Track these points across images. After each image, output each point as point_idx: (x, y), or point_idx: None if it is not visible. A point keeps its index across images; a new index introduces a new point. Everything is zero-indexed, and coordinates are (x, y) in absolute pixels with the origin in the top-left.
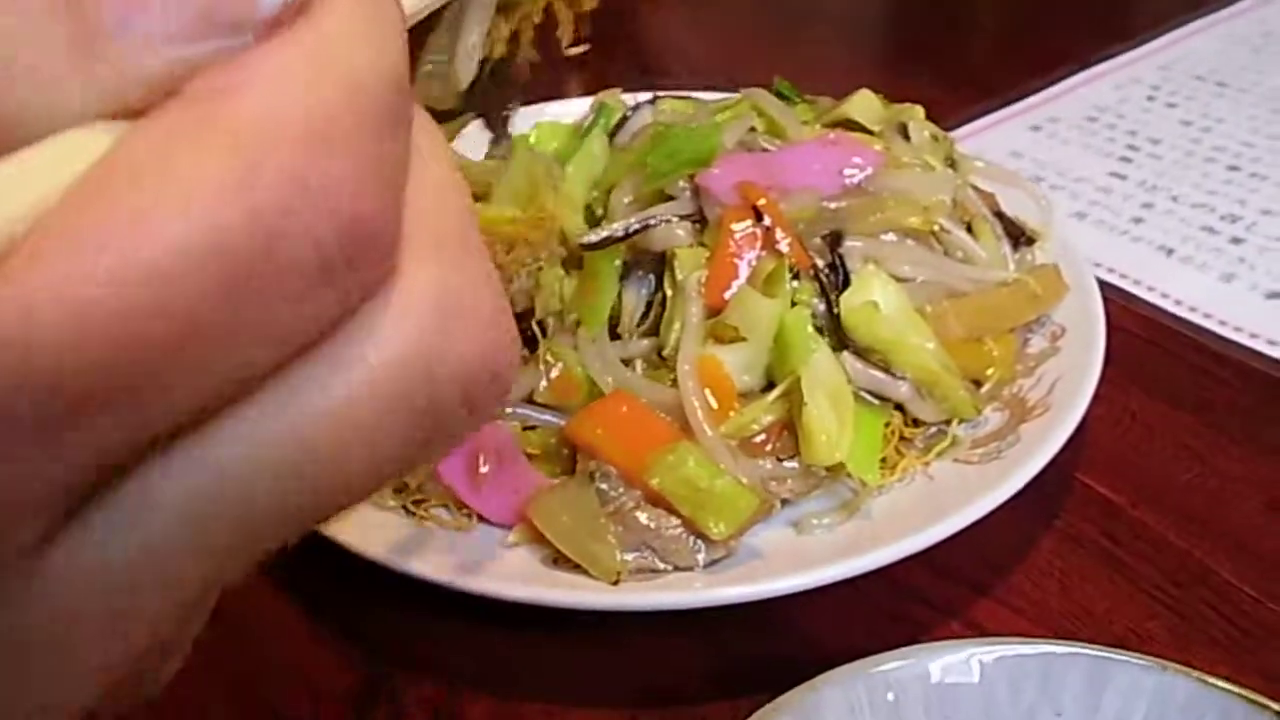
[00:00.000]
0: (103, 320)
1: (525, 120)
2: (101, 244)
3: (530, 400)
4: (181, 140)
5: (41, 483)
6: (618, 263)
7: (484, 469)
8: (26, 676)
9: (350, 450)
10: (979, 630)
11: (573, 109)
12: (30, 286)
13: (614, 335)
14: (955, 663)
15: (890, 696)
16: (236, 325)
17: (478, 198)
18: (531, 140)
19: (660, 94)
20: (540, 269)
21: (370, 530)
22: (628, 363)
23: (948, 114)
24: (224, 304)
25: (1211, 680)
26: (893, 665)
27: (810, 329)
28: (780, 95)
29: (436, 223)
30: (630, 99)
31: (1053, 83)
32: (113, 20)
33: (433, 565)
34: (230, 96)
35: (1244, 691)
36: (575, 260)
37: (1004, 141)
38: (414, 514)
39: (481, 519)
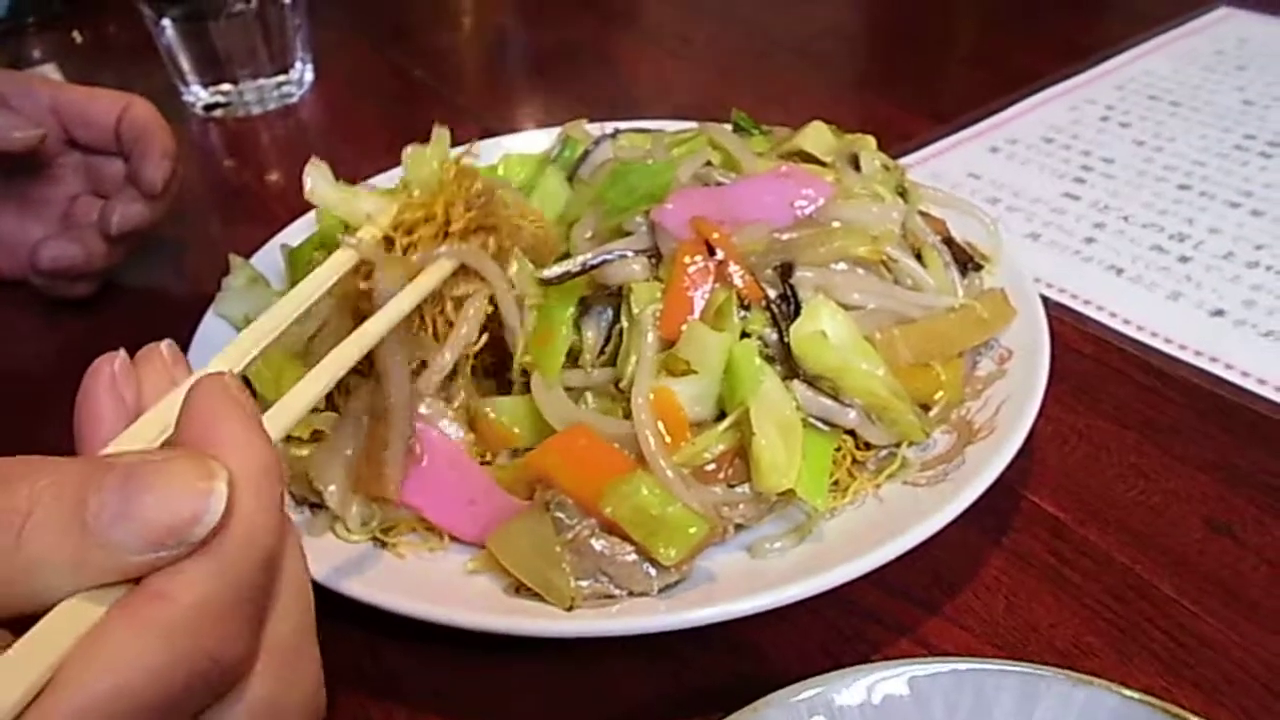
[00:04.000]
0: None
1: (491, 152)
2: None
3: None
4: (136, 637)
5: None
6: (571, 310)
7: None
8: None
9: None
10: (928, 647)
11: (540, 140)
12: None
13: (575, 364)
14: (893, 682)
15: (829, 717)
16: None
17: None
18: (499, 172)
19: (621, 128)
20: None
21: (335, 560)
22: (581, 393)
23: (909, 137)
24: None
25: (1131, 694)
26: (832, 686)
27: (758, 360)
28: (738, 127)
29: (281, 646)
30: (596, 129)
31: (1011, 104)
32: (106, 534)
33: (394, 593)
34: (167, 601)
35: (1166, 705)
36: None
37: (963, 163)
38: (384, 544)
39: (454, 539)
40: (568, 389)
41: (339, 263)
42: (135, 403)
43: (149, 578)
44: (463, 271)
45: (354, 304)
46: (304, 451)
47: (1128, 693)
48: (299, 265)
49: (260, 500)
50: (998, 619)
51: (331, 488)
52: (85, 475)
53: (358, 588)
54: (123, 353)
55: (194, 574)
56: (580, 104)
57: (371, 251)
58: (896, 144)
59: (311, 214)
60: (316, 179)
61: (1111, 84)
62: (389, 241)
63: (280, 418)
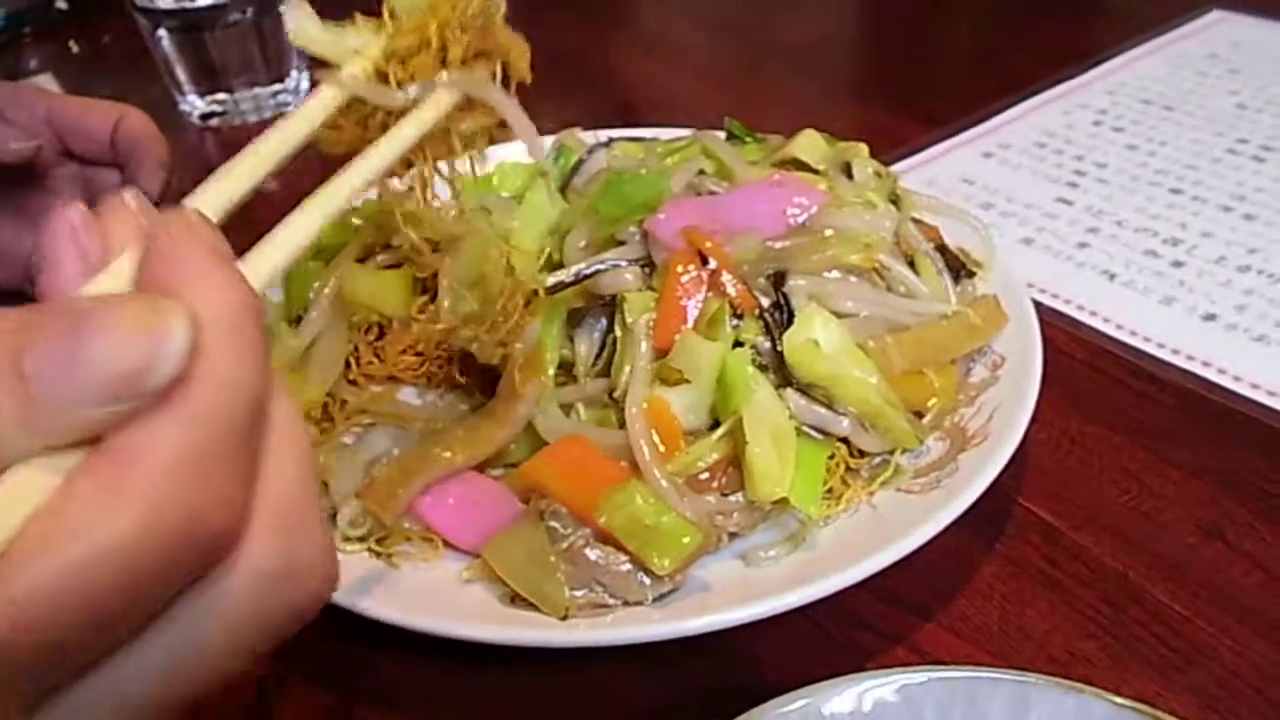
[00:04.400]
0: (34, 612)
1: (486, 161)
2: (39, 575)
3: None
4: (103, 499)
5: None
6: (556, 327)
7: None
8: None
9: (214, 651)
10: (923, 654)
11: None
12: None
13: (572, 377)
14: (884, 691)
15: None
16: (139, 602)
17: (435, 247)
18: (494, 181)
19: (615, 136)
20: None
21: None
22: (574, 403)
23: (904, 142)
24: (117, 608)
25: (1122, 702)
26: (822, 695)
27: (751, 370)
28: (731, 135)
29: (278, 505)
30: (590, 138)
31: (1005, 109)
32: (51, 391)
33: (389, 605)
34: (135, 457)
35: (1157, 713)
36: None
37: (957, 169)
38: (380, 555)
39: (449, 546)
40: (561, 404)
41: (325, 101)
42: (100, 257)
43: (111, 435)
44: (467, 104)
45: (348, 315)
46: None
47: (1118, 700)
48: (294, 276)
49: (236, 341)
50: (992, 625)
51: (342, 482)
52: (24, 324)
53: (352, 599)
54: (82, 205)
55: (163, 425)
56: (575, 111)
57: (363, 86)
58: (890, 150)
59: None
60: (300, 19)
61: (1104, 88)
62: (382, 76)
63: (267, 258)
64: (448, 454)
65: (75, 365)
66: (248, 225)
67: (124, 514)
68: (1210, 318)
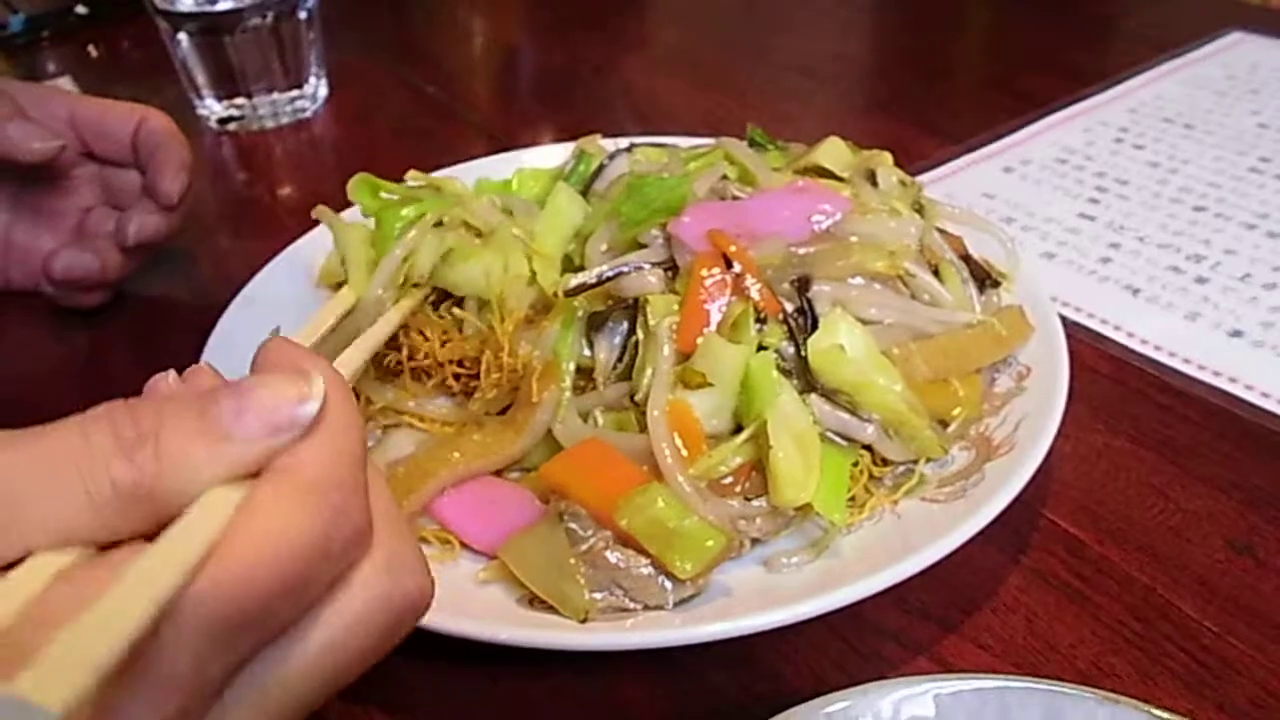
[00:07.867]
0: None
1: (506, 166)
2: (231, 568)
3: None
4: (281, 501)
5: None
6: (571, 336)
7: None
8: None
9: (349, 650)
10: (946, 666)
11: (554, 155)
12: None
13: (591, 382)
14: (913, 698)
15: None
16: (304, 588)
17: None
18: (513, 186)
19: (637, 142)
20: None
21: None
22: (590, 413)
23: (923, 156)
24: (299, 579)
25: (1160, 714)
26: (850, 702)
27: (775, 374)
28: (753, 142)
29: (378, 509)
30: (610, 145)
31: (1025, 125)
32: (231, 428)
33: None
34: (298, 468)
35: None
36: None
37: (978, 183)
38: None
39: (465, 547)
40: (579, 411)
41: None
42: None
43: (275, 459)
44: None
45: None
46: None
47: (1157, 712)
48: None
49: (348, 397)
50: (1017, 638)
51: None
52: (201, 392)
53: None
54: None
55: (312, 445)
56: (590, 123)
57: None
58: (909, 164)
59: (321, 228)
60: None
61: (1124, 106)
62: None
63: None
64: (465, 459)
65: (246, 410)
66: (269, 234)
67: (297, 510)
68: (1236, 334)
